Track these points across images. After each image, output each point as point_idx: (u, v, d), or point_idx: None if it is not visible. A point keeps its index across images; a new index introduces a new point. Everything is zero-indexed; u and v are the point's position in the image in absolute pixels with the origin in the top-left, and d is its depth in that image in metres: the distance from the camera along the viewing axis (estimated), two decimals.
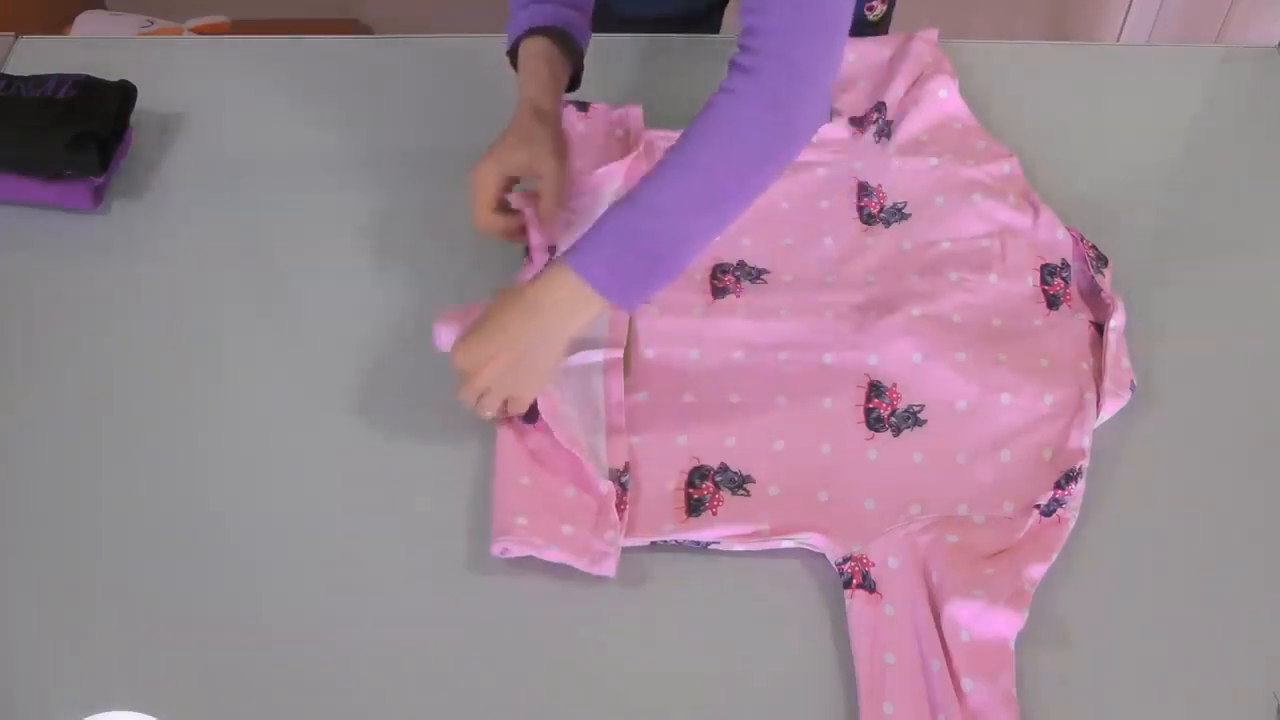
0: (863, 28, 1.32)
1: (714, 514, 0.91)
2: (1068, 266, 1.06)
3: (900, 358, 0.99)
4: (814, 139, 0.92)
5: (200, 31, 1.92)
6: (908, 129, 1.16)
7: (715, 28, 1.40)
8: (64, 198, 1.13)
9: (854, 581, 0.87)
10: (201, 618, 0.87)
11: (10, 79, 1.14)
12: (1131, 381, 0.97)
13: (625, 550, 0.89)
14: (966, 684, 0.81)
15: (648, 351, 1.01)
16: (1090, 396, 0.96)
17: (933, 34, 1.23)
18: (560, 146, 1.03)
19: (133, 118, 1.17)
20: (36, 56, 1.27)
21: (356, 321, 1.05)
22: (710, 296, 1.04)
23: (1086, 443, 0.93)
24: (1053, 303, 1.04)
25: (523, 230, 1.04)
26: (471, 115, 1.21)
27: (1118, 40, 2.23)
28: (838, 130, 1.16)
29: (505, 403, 0.92)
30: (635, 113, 1.17)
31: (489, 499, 0.91)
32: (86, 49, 1.38)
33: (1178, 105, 1.25)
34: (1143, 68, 1.29)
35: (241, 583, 0.89)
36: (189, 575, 0.90)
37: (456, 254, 1.09)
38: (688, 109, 1.18)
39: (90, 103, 1.12)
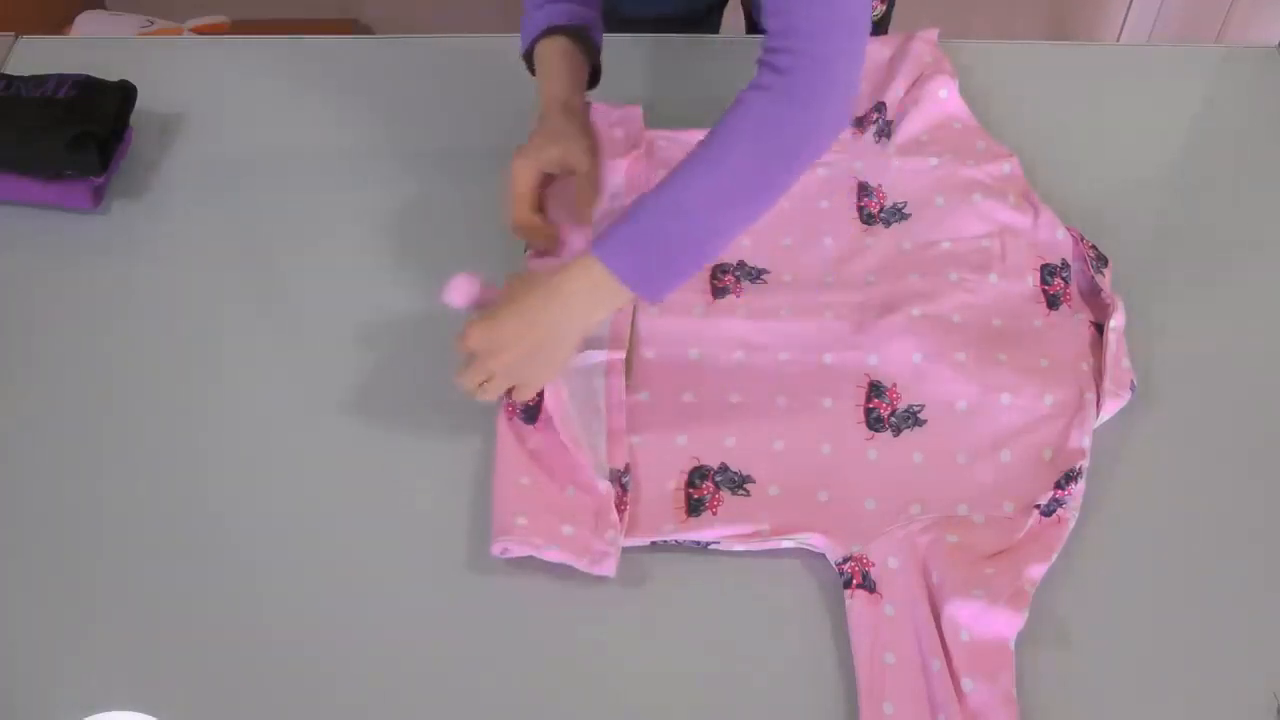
0: None
1: (714, 514, 0.91)
2: (1068, 266, 1.06)
3: (900, 358, 0.99)
4: None
5: (200, 31, 1.92)
6: (908, 129, 1.16)
7: (715, 28, 1.40)
8: (64, 198, 1.13)
9: (854, 581, 0.87)
10: (201, 618, 0.87)
11: (10, 79, 1.14)
12: (1131, 381, 0.97)
13: (625, 550, 0.89)
14: (966, 684, 0.81)
15: (648, 351, 1.01)
16: (1090, 396, 0.96)
17: (933, 34, 1.23)
18: (593, 142, 1.03)
19: (133, 118, 1.17)
20: (36, 56, 1.27)
21: (356, 321, 1.05)
22: (710, 296, 1.04)
23: (1086, 443, 0.93)
24: (1053, 303, 1.04)
25: (555, 239, 1.05)
26: (472, 115, 1.22)
27: (1118, 40, 2.23)
28: None
29: (510, 389, 0.92)
30: (635, 113, 1.17)
31: (489, 499, 0.91)
32: (86, 49, 1.38)
33: (1178, 105, 1.25)
34: (1143, 68, 1.29)
35: (241, 583, 0.89)
36: (189, 575, 0.90)
37: (457, 253, 1.09)
38: (688, 109, 1.19)
39: (90, 103, 1.12)
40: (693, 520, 0.91)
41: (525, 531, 0.88)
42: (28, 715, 0.83)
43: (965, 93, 1.19)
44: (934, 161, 1.13)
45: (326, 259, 1.10)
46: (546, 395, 0.93)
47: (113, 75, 1.16)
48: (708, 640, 0.86)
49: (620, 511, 0.90)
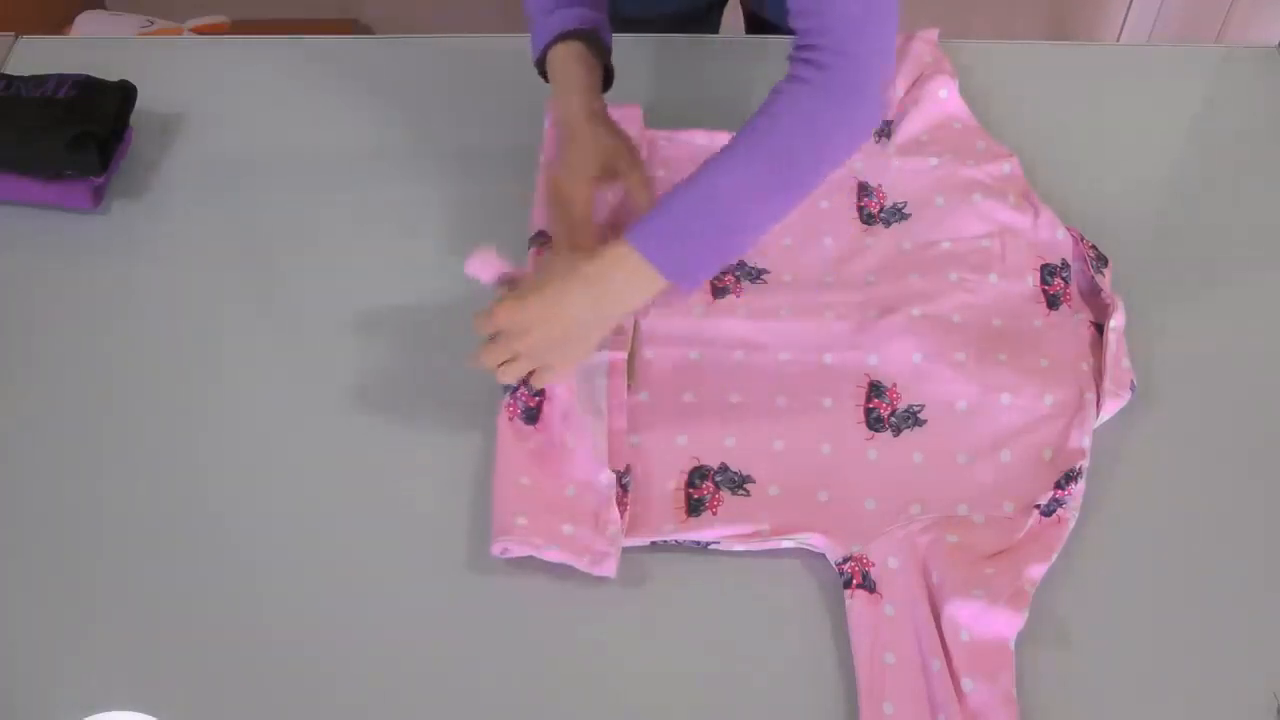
0: None
1: (714, 514, 0.91)
2: (1068, 266, 1.06)
3: (900, 358, 0.99)
4: None
5: (200, 31, 1.92)
6: (908, 129, 1.16)
7: (714, 27, 1.40)
8: (64, 198, 1.13)
9: (854, 581, 0.87)
10: (201, 618, 0.87)
11: (10, 79, 1.14)
12: (1131, 381, 0.97)
13: (625, 550, 0.89)
14: (966, 684, 0.81)
15: (648, 351, 1.01)
16: (1090, 396, 0.96)
17: (933, 34, 1.23)
18: (628, 143, 1.04)
19: (133, 118, 1.17)
20: (36, 56, 1.27)
21: (356, 321, 1.05)
22: (710, 296, 1.04)
23: (1086, 443, 0.93)
24: (1053, 303, 1.04)
25: None
26: (472, 115, 1.22)
27: (1118, 40, 2.23)
28: None
29: (530, 373, 0.92)
30: (635, 113, 1.17)
31: (489, 499, 0.91)
32: (86, 49, 1.38)
33: (1178, 105, 1.25)
34: (1143, 68, 1.29)
35: (241, 583, 0.89)
36: (189, 575, 0.90)
37: (457, 253, 1.09)
38: (688, 109, 1.19)
39: (90, 103, 1.12)
40: (693, 520, 0.91)
41: (525, 531, 0.88)
42: (28, 715, 0.83)
43: (965, 93, 1.19)
44: (934, 161, 1.13)
45: (326, 259, 1.10)
46: (558, 388, 0.93)
47: (113, 75, 1.16)
48: (708, 640, 0.86)
49: (621, 510, 0.90)
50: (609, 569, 0.88)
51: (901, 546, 0.88)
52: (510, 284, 0.95)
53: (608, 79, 1.08)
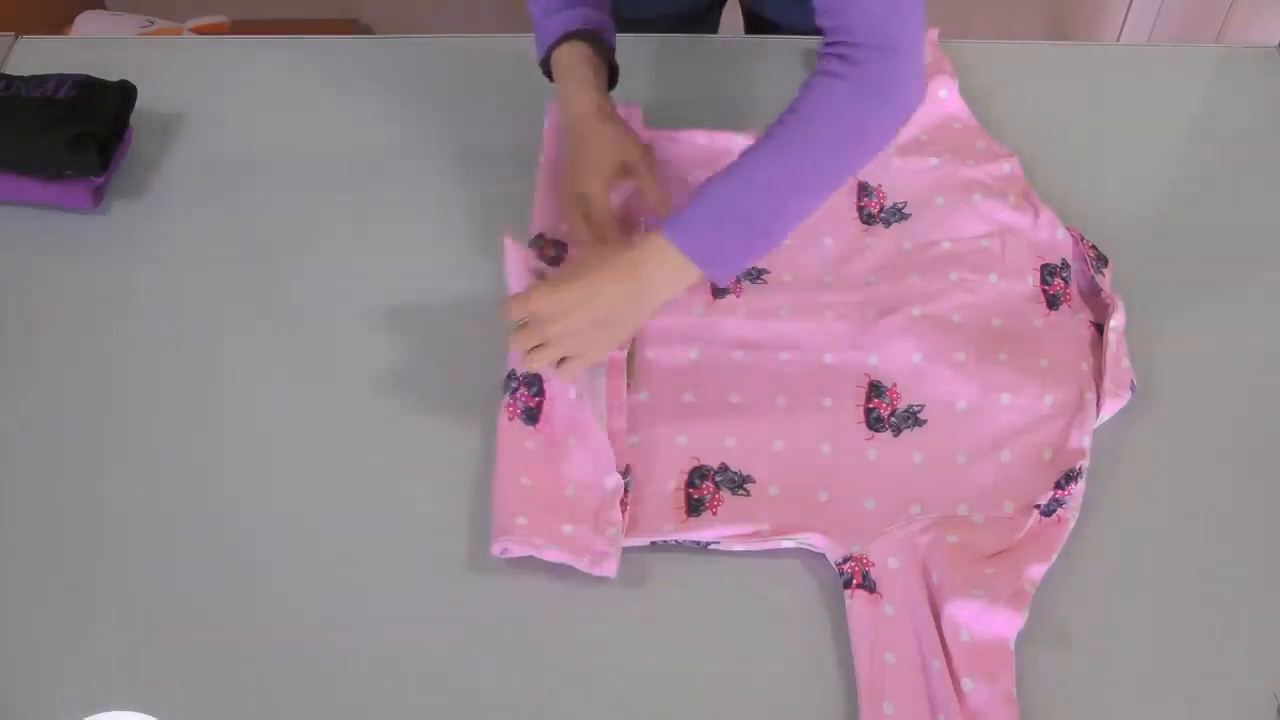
0: None
1: (714, 514, 0.91)
2: (1068, 266, 1.06)
3: (900, 358, 0.99)
4: None
5: (200, 31, 1.92)
6: (908, 129, 1.15)
7: (714, 27, 1.40)
8: (64, 198, 1.13)
9: (854, 581, 0.87)
10: (201, 618, 0.87)
11: (10, 79, 1.14)
12: (1131, 381, 0.97)
13: (625, 550, 0.89)
14: (966, 684, 0.81)
15: (648, 352, 1.01)
16: (1090, 396, 0.96)
17: (933, 34, 1.23)
18: (637, 140, 1.05)
19: (133, 118, 1.17)
20: (36, 56, 1.27)
21: (356, 321, 1.05)
22: (710, 296, 1.04)
23: (1086, 443, 0.93)
24: (1053, 303, 1.04)
25: None
26: (472, 115, 1.22)
27: (1118, 40, 2.23)
28: None
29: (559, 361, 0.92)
30: (635, 113, 1.17)
31: (489, 499, 0.91)
32: (86, 49, 1.38)
33: (1178, 105, 1.25)
34: (1143, 68, 1.29)
35: (241, 583, 0.89)
36: (189, 575, 0.90)
37: (457, 253, 1.09)
38: (688, 109, 1.19)
39: (90, 103, 1.12)
40: (693, 520, 0.91)
41: (525, 531, 0.88)
42: (28, 715, 0.83)
43: (965, 93, 1.19)
44: (934, 161, 1.13)
45: (326, 259, 1.10)
46: (560, 385, 0.93)
47: (113, 75, 1.16)
48: (708, 640, 0.86)
49: (621, 510, 0.90)
50: (609, 569, 0.88)
51: (901, 546, 0.88)
52: (539, 276, 0.95)
53: (612, 78, 1.09)
